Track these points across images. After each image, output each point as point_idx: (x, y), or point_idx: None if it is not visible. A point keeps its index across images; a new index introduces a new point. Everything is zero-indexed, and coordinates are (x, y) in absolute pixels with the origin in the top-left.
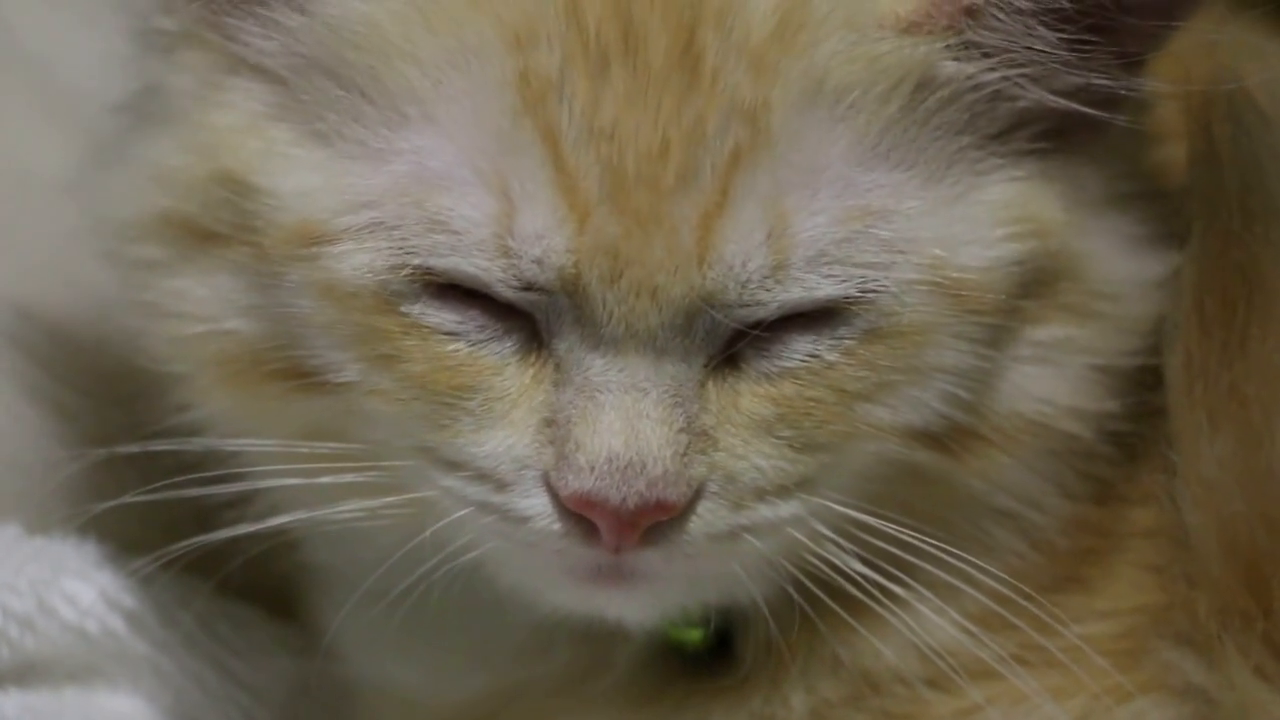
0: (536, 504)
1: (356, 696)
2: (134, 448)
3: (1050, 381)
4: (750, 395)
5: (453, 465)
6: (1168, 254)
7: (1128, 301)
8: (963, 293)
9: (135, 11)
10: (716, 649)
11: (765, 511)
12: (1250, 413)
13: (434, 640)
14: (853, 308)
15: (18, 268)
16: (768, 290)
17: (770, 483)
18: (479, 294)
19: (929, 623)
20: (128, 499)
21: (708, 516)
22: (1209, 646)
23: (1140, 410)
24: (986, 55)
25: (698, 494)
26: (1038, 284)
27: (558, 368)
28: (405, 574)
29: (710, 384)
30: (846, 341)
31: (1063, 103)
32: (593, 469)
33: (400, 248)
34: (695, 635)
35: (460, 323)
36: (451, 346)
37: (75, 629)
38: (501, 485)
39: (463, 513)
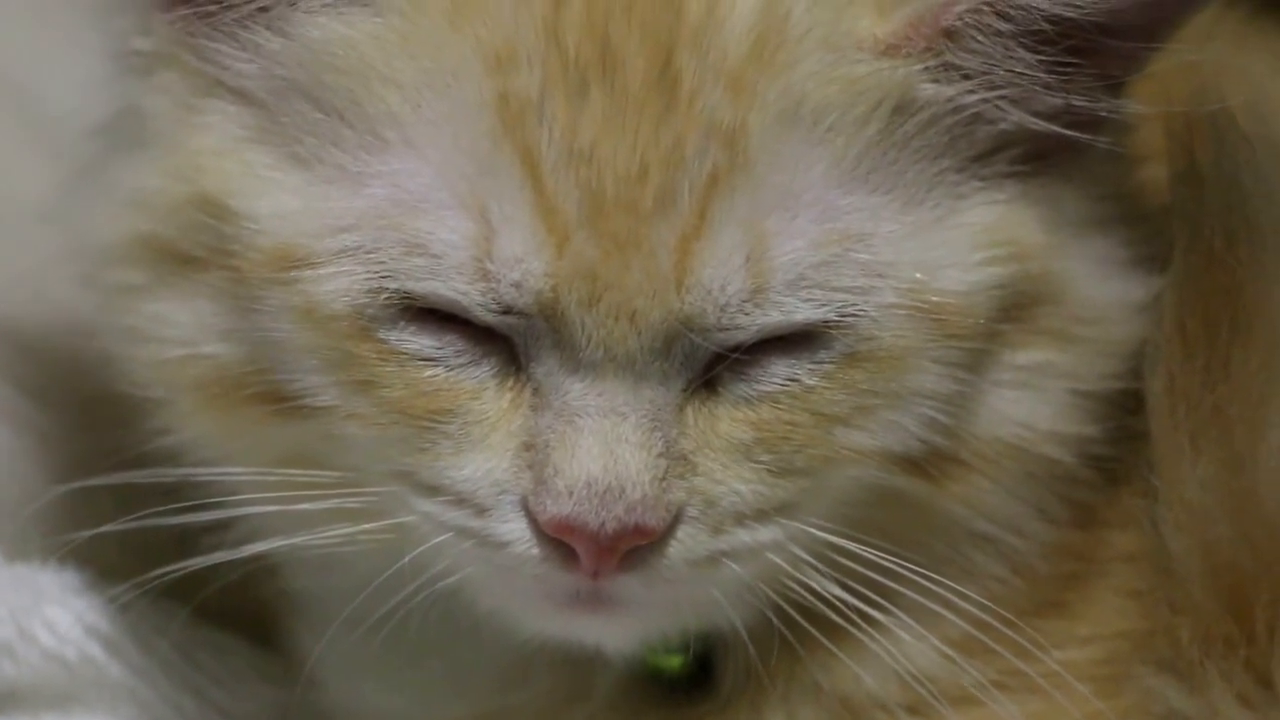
0: (515, 529)
1: None
2: (113, 478)
3: (1030, 406)
4: (729, 419)
5: (431, 490)
6: (1149, 277)
7: (1109, 325)
8: (942, 317)
9: (114, 33)
10: (696, 675)
11: (744, 536)
12: (1233, 435)
13: (414, 667)
14: (832, 331)
15: None
16: (746, 314)
17: (749, 507)
18: (457, 318)
19: (909, 648)
20: (106, 528)
21: (687, 541)
22: (1191, 672)
23: (1121, 434)
24: (966, 77)
25: (677, 519)
26: (1018, 308)
27: (536, 392)
28: (384, 600)
29: (689, 408)
30: (825, 365)
31: (1043, 125)
32: (571, 494)
33: (378, 271)
34: (675, 661)
35: (438, 347)
36: (429, 372)
37: (55, 656)
38: (480, 510)
39: (441, 538)
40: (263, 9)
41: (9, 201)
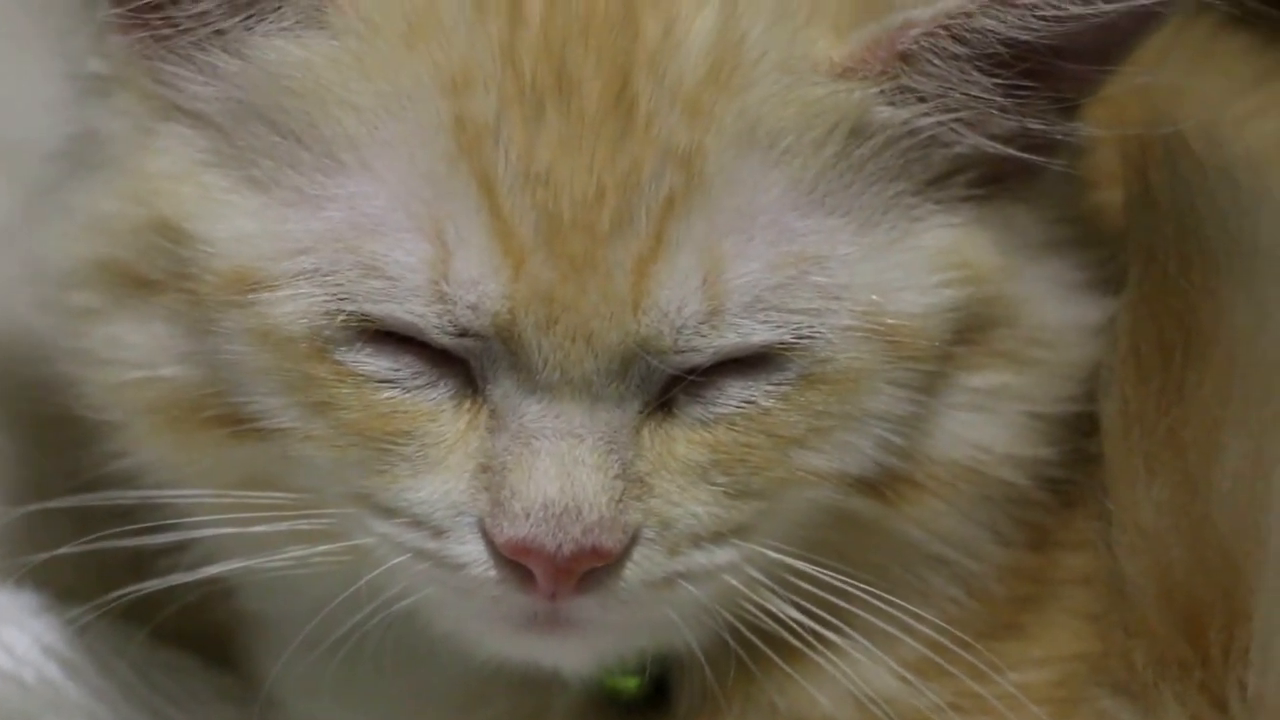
0: (472, 550)
1: None
2: (70, 501)
3: (986, 428)
4: (685, 441)
5: (388, 511)
6: (1104, 300)
7: (1064, 348)
8: (898, 339)
9: (72, 56)
10: (653, 697)
11: (701, 558)
12: (1187, 459)
13: (371, 689)
14: (788, 353)
15: None
16: (703, 336)
17: (706, 529)
18: (414, 340)
19: (865, 670)
20: (64, 550)
21: (644, 563)
22: (1146, 695)
23: (1076, 457)
24: (922, 100)
25: (633, 541)
26: (973, 330)
27: (493, 414)
28: (342, 622)
29: (645, 430)
30: (782, 387)
31: (999, 148)
32: (528, 516)
33: (335, 294)
34: (631, 683)
35: (395, 369)
36: (386, 394)
37: (13, 678)
38: (437, 532)
39: (398, 560)
40: (219, 32)
41: None
